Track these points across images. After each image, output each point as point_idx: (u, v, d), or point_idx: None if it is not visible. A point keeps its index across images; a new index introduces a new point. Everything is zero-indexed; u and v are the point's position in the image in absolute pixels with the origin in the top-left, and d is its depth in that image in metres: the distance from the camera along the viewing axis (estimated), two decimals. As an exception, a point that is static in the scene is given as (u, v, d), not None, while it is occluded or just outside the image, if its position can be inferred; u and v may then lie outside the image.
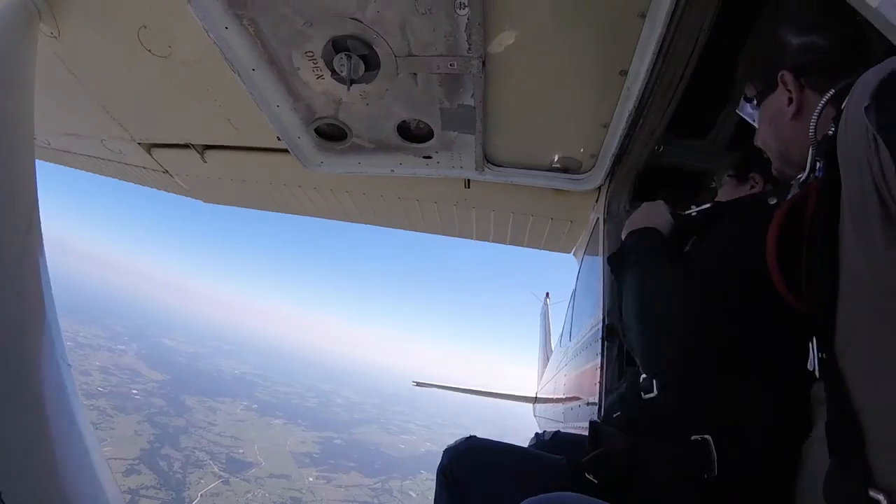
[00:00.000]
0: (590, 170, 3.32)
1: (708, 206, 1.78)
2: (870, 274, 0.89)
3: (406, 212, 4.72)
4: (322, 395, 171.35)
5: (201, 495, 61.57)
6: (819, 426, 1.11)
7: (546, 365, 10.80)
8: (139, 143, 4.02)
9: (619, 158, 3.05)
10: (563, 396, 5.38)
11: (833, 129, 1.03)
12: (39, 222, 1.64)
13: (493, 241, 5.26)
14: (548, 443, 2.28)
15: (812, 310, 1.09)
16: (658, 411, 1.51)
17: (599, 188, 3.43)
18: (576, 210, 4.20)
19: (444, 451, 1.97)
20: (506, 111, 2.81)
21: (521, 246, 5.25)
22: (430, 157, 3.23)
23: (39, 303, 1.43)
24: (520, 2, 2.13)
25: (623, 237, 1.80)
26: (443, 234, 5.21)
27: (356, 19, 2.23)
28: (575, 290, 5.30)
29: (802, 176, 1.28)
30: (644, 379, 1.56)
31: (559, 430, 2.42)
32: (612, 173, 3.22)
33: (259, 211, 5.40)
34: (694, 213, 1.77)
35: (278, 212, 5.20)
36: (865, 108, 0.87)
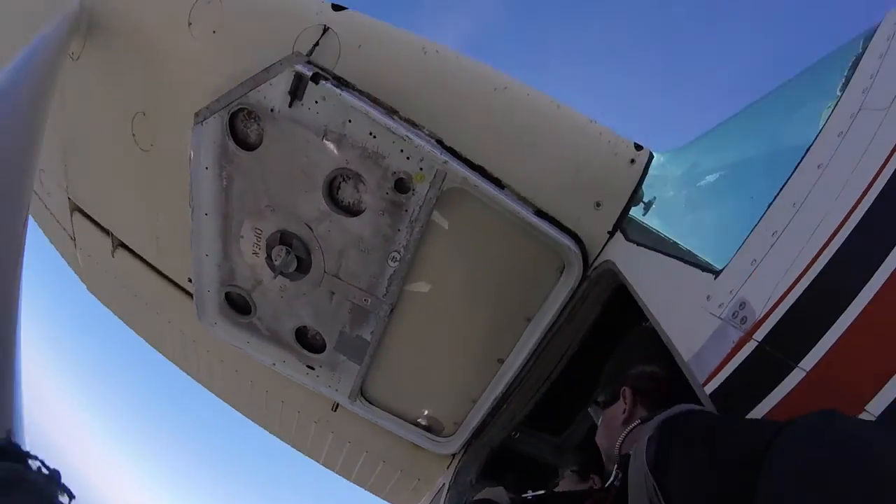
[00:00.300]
0: (450, 435, 3.44)
1: (541, 492, 2.00)
2: None
3: (267, 407, 4.52)
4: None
5: None
6: None
7: None
8: (69, 198, 3.83)
9: (477, 432, 3.23)
10: None
11: (630, 452, 1.28)
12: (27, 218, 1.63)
13: (338, 473, 4.99)
14: None
15: None
16: None
17: (454, 455, 3.51)
18: (427, 469, 4.16)
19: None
20: (394, 357, 3.03)
21: (364, 488, 4.98)
22: (312, 369, 3.30)
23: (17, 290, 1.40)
24: (438, 276, 2.57)
25: None
26: (291, 446, 4.92)
27: (309, 227, 2.53)
28: None
29: (610, 481, 1.49)
30: None
31: None
32: (468, 444, 3.35)
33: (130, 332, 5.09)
34: (530, 498, 1.96)
35: (148, 343, 4.86)
36: (646, 445, 1.15)
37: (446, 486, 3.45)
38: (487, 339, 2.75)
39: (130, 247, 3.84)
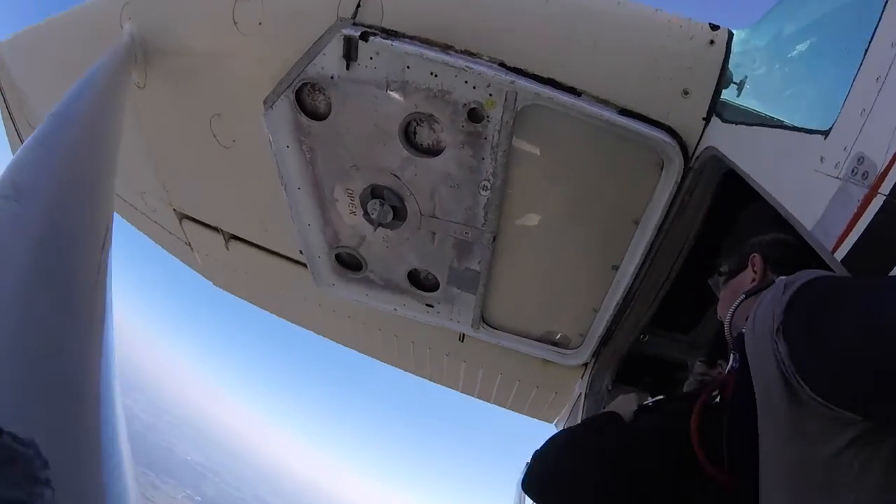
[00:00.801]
0: (578, 346, 3.47)
1: (661, 398, 1.96)
2: (781, 453, 1.02)
3: (399, 350, 4.81)
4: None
5: None
6: None
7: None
8: (174, 210, 4.17)
9: (604, 341, 3.23)
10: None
11: (745, 329, 1.21)
12: (111, 241, 1.81)
13: (477, 397, 5.24)
14: None
15: (735, 487, 1.20)
16: None
17: (585, 365, 3.55)
18: (561, 382, 4.22)
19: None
20: (507, 281, 3.07)
21: (504, 407, 5.18)
22: (431, 306, 3.43)
23: (104, 293, 1.56)
24: (534, 194, 2.52)
25: None
26: (429, 380, 5.20)
27: (396, 176, 2.59)
28: None
29: (727, 365, 1.43)
30: None
31: None
32: (597, 353, 3.37)
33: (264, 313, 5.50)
34: (650, 404, 1.91)
35: (281, 317, 5.27)
36: (773, 312, 1.06)
37: (583, 395, 3.54)
38: (598, 248, 2.72)
39: (240, 236, 4.10)
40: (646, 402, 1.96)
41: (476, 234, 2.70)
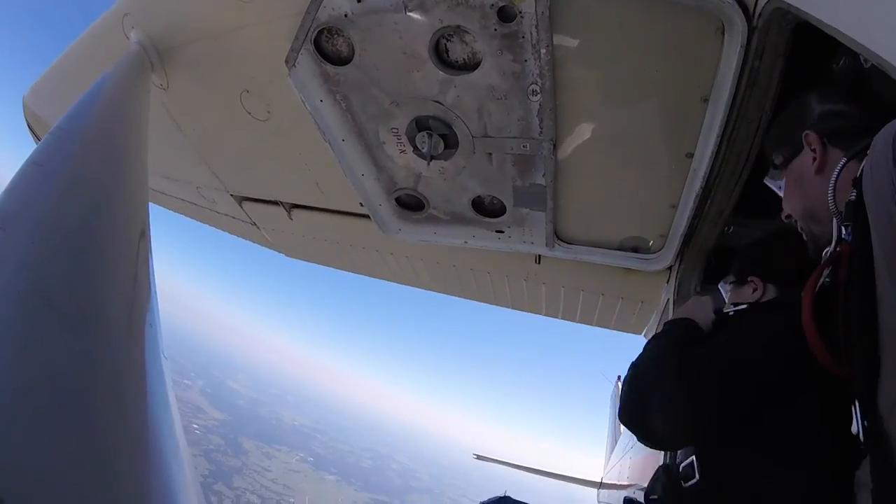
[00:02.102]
0: (659, 250, 3.31)
1: (744, 306, 1.84)
2: None
3: (477, 283, 4.80)
4: (378, 457, 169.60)
5: None
6: (863, 484, 1.13)
7: (613, 449, 10.35)
8: (231, 195, 4.30)
9: (688, 239, 3.05)
10: (628, 483, 5.13)
11: (854, 194, 1.08)
12: (149, 232, 1.85)
13: (563, 318, 5.19)
14: None
15: (853, 374, 1.08)
16: (700, 494, 1.52)
17: (670, 268, 3.40)
18: (646, 290, 4.12)
19: None
20: (576, 190, 2.91)
21: (591, 325, 5.15)
22: (501, 232, 3.34)
23: (148, 299, 1.61)
24: (588, 90, 2.29)
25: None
26: (512, 308, 5.21)
27: (438, 102, 2.44)
28: None
29: (829, 249, 1.28)
30: (685, 466, 1.58)
31: None
32: (681, 254, 3.20)
33: (337, 271, 5.63)
34: (731, 313, 1.83)
35: (356, 273, 5.40)
36: (890, 159, 0.92)
37: (671, 301, 3.39)
38: (667, 137, 2.46)
39: (300, 203, 4.17)
40: (726, 311, 1.87)
41: (535, 146, 2.52)
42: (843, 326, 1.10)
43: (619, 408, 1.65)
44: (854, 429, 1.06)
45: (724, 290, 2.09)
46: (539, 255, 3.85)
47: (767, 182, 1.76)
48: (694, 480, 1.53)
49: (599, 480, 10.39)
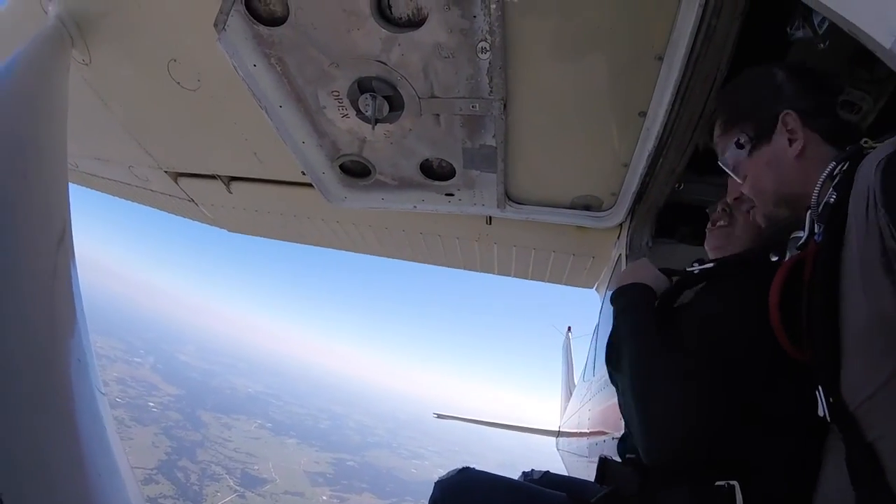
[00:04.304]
0: (611, 207, 3.31)
1: (711, 265, 1.73)
2: (874, 322, 0.98)
3: (428, 246, 4.74)
4: (334, 417, 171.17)
5: None
6: (827, 471, 1.19)
7: (569, 399, 10.67)
8: (166, 172, 4.11)
9: (639, 196, 3.05)
10: (588, 431, 5.28)
11: (834, 196, 1.14)
12: (71, 236, 1.67)
13: (515, 276, 5.23)
14: (538, 481, 2.18)
15: (817, 361, 1.15)
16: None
17: (621, 224, 3.42)
18: (598, 246, 4.17)
19: (435, 484, 1.89)
20: (527, 150, 2.83)
21: (543, 281, 5.20)
22: (452, 195, 3.25)
23: (72, 316, 1.45)
24: (539, 47, 2.17)
25: (613, 291, 1.81)
26: (464, 269, 5.20)
27: (381, 62, 2.28)
28: (598, 325, 5.25)
29: (801, 235, 1.30)
30: None
31: (549, 471, 2.30)
32: (633, 211, 3.21)
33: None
34: (696, 271, 1.73)
35: (302, 243, 5.26)
36: (875, 181, 0.99)
37: (623, 256, 3.40)
38: (620, 95, 2.38)
39: (239, 176, 4.01)
40: (691, 269, 1.74)
41: (485, 106, 2.40)
42: (807, 321, 1.16)
43: (646, 450, 1.45)
44: (820, 411, 1.15)
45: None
46: (490, 217, 3.80)
47: (722, 164, 1.64)
48: None
49: (557, 429, 10.69)
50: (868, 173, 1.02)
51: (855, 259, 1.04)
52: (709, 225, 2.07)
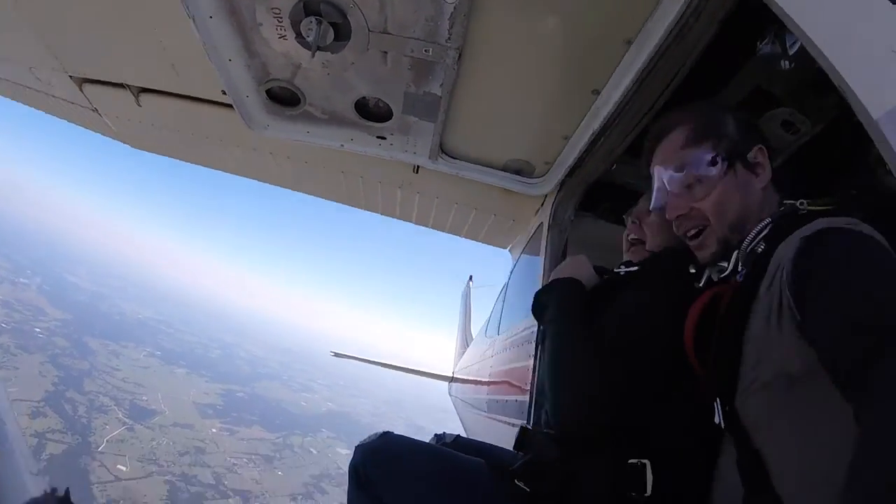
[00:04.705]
0: (542, 176, 3.31)
1: (635, 268, 1.93)
2: (769, 357, 1.19)
3: (347, 187, 4.56)
4: (225, 346, 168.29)
5: (107, 441, 60.57)
6: (723, 466, 1.36)
7: (465, 346, 10.90)
8: (70, 77, 3.68)
9: (572, 170, 3.05)
10: (487, 387, 5.42)
11: (762, 246, 1.32)
12: None
13: (432, 228, 5.19)
14: (450, 445, 2.26)
15: (718, 380, 1.34)
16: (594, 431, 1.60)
17: (547, 193, 3.43)
18: (520, 210, 4.20)
19: (355, 448, 1.91)
20: (471, 106, 2.73)
21: (459, 236, 5.21)
22: (384, 139, 3.10)
23: None
24: (509, 3, 2.04)
25: (548, 281, 2.00)
26: (382, 214, 5.08)
27: (334, -17, 2.06)
28: (507, 285, 5.34)
29: (726, 266, 1.49)
30: None
31: (459, 435, 2.39)
32: (563, 183, 3.22)
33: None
34: (622, 273, 1.95)
35: (212, 168, 4.88)
36: (793, 252, 1.15)
37: (545, 224, 3.44)
38: (578, 69, 2.32)
39: (151, 87, 3.64)
40: (617, 271, 1.99)
41: (438, 52, 2.25)
42: (716, 350, 1.36)
43: (554, 417, 1.67)
44: (716, 419, 1.33)
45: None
46: (418, 166, 3.69)
47: (674, 176, 1.58)
48: None
49: (451, 375, 10.95)
50: (788, 247, 1.18)
51: (762, 307, 1.22)
52: (625, 233, 2.21)
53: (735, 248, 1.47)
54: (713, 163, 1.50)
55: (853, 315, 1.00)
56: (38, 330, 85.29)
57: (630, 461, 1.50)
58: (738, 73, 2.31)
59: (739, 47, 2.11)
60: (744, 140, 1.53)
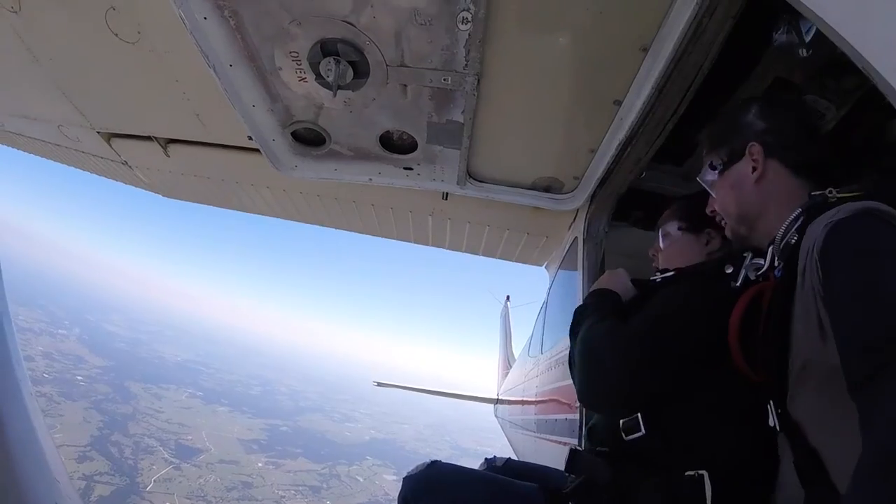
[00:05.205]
0: (572, 191, 3.26)
1: (671, 273, 1.92)
2: (815, 354, 1.17)
3: (379, 219, 4.58)
4: (266, 383, 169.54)
5: (155, 480, 60.99)
6: (784, 469, 1.33)
7: (507, 366, 10.81)
8: (98, 132, 3.79)
9: (602, 182, 3.01)
10: (535, 406, 5.34)
11: (796, 238, 1.30)
12: None
13: (466, 252, 5.18)
14: (500, 469, 2.25)
15: (767, 380, 1.35)
16: (646, 447, 1.60)
17: (579, 207, 3.37)
18: (553, 226, 4.16)
19: (404, 479, 1.90)
20: (494, 129, 2.71)
21: (494, 257, 5.19)
22: (410, 169, 3.10)
23: None
24: (522, 23, 2.03)
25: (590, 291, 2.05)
26: (415, 243, 5.10)
27: (349, 23, 2.07)
28: (546, 302, 5.28)
29: (762, 263, 1.52)
30: (626, 420, 1.65)
31: (510, 458, 2.37)
32: (593, 195, 3.18)
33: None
34: (658, 280, 1.94)
35: (243, 211, 4.97)
36: (819, 240, 1.15)
37: (580, 239, 3.39)
38: (598, 82, 2.29)
39: (178, 138, 3.71)
40: (653, 279, 1.97)
41: (457, 80, 2.25)
42: (762, 343, 1.38)
43: (579, 390, 1.72)
44: (770, 422, 1.34)
45: (671, 232, 2.16)
46: (447, 192, 3.68)
47: (700, 180, 1.82)
48: (639, 434, 1.61)
49: (496, 397, 10.86)
50: (815, 231, 1.18)
51: (801, 301, 1.22)
52: (650, 251, 2.30)
53: (746, 238, 1.65)
54: (713, 167, 1.74)
55: (867, 326, 1.00)
56: (79, 378, 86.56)
57: (687, 473, 1.47)
58: (756, 66, 2.30)
59: (755, 41, 2.09)
60: (738, 141, 1.66)
